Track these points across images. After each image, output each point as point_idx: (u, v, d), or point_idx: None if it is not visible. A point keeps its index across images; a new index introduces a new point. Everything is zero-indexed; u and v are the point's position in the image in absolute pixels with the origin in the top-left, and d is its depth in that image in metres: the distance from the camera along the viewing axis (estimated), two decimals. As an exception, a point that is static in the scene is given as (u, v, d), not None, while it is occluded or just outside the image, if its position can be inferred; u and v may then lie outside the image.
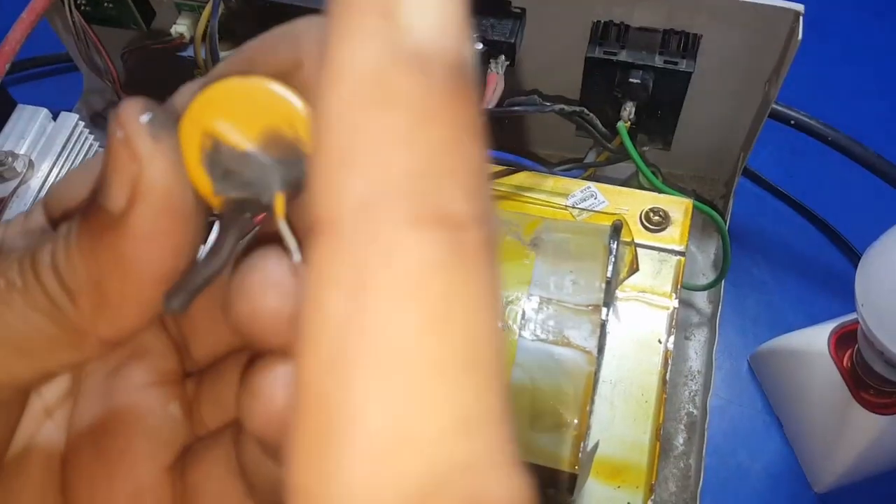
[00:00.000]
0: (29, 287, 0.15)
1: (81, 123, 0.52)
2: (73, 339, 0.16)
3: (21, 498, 0.18)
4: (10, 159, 0.48)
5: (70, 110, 0.57)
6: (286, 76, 0.15)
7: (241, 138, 0.15)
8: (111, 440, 0.19)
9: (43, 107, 0.51)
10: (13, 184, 0.48)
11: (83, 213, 0.15)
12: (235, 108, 0.15)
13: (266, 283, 0.15)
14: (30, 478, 0.19)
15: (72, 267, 0.15)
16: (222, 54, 0.51)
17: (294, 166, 0.15)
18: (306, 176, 0.12)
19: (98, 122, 0.62)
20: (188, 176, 0.15)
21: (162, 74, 0.59)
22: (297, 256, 0.15)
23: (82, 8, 0.54)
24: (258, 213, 0.16)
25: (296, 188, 0.15)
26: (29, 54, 0.63)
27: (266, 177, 0.15)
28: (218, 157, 0.15)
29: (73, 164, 0.51)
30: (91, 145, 0.52)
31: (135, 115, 0.15)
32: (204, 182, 0.15)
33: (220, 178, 0.15)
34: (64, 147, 0.50)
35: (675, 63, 0.48)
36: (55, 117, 0.51)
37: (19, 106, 0.51)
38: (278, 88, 0.15)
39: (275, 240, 0.16)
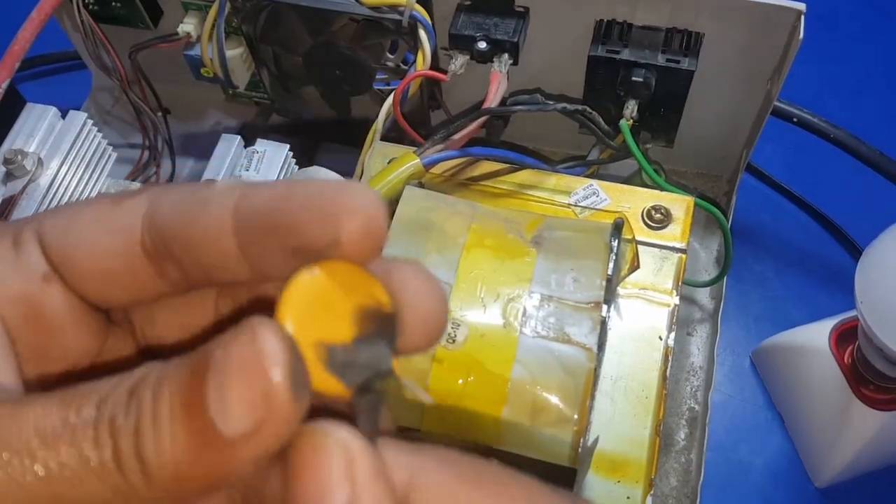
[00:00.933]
0: (106, 469, 0.15)
1: (90, 122, 0.52)
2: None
3: None
4: (19, 157, 0.49)
5: (79, 108, 0.57)
6: (330, 249, 0.16)
7: (343, 332, 0.16)
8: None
9: (52, 105, 0.52)
10: (23, 182, 0.49)
11: (184, 413, 0.14)
12: (323, 309, 0.16)
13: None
14: None
15: (161, 464, 0.14)
16: (228, 53, 0.52)
17: (389, 327, 0.17)
18: (399, 329, 0.17)
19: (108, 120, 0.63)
20: (318, 387, 0.16)
21: (169, 73, 0.60)
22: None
23: (90, 7, 0.55)
24: (381, 382, 0.17)
25: (395, 346, 0.17)
26: (38, 52, 0.64)
27: (377, 350, 0.17)
28: (334, 359, 0.16)
29: (81, 161, 0.51)
30: (100, 143, 0.53)
31: (278, 360, 0.14)
32: (336, 386, 0.16)
33: (342, 375, 0.16)
34: (73, 145, 0.51)
35: (678, 61, 0.48)
36: (64, 115, 0.52)
37: (28, 104, 0.52)
38: (347, 274, 0.17)
39: None
